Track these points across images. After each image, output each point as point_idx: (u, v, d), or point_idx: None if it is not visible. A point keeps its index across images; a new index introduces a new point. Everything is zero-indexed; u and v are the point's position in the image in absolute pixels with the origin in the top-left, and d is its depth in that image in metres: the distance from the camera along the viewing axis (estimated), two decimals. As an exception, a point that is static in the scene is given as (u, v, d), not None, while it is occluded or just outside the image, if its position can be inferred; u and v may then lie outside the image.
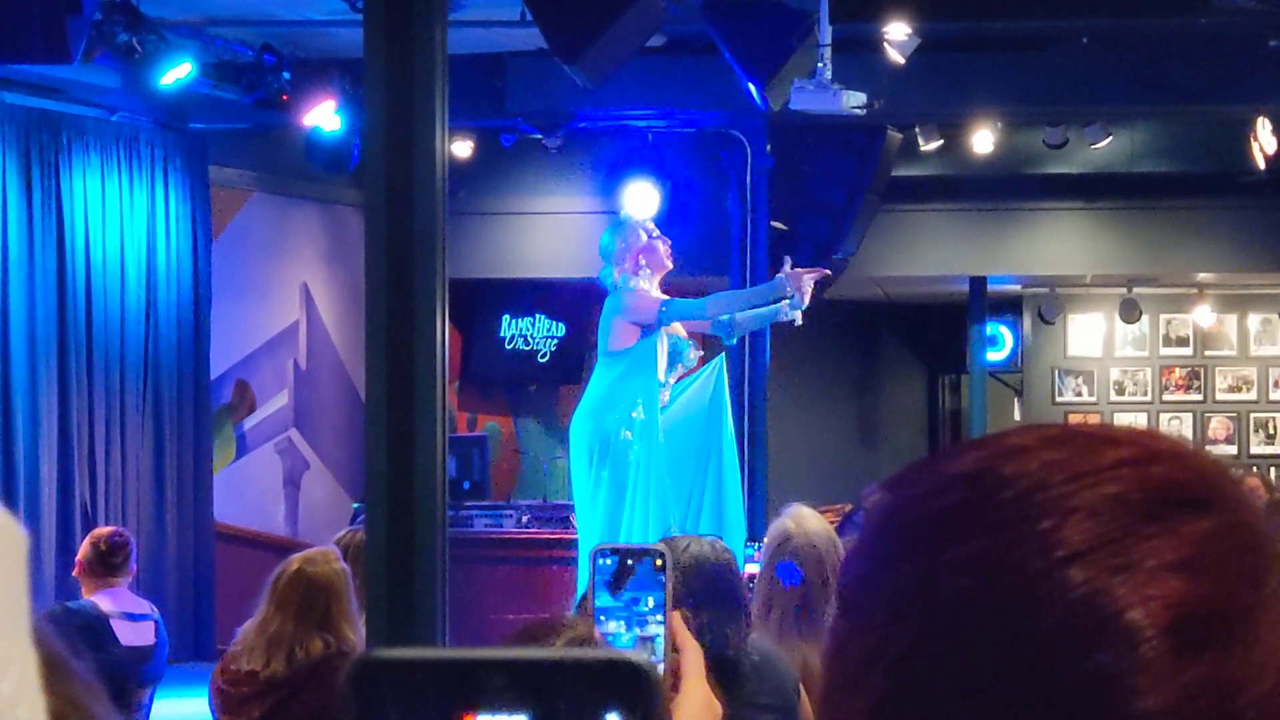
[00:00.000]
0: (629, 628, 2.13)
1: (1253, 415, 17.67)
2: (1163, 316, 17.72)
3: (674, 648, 2.16)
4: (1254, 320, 17.69)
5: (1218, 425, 17.69)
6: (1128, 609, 0.97)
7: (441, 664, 0.58)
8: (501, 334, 17.09)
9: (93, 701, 0.53)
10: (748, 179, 13.53)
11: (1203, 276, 16.95)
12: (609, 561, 2.14)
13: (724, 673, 5.04)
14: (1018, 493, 1.00)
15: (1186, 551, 0.99)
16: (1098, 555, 0.98)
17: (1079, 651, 0.96)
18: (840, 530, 6.62)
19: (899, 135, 14.08)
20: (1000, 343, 18.40)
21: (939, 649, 0.98)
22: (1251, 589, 1.00)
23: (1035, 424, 1.09)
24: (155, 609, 8.59)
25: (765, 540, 5.91)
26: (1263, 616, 1.00)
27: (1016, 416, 18.29)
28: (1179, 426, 17.65)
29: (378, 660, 0.59)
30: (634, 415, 10.33)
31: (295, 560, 5.93)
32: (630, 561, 2.14)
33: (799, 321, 9.83)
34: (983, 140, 14.14)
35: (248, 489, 14.66)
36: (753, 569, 6.49)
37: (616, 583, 2.12)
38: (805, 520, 5.75)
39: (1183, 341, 17.75)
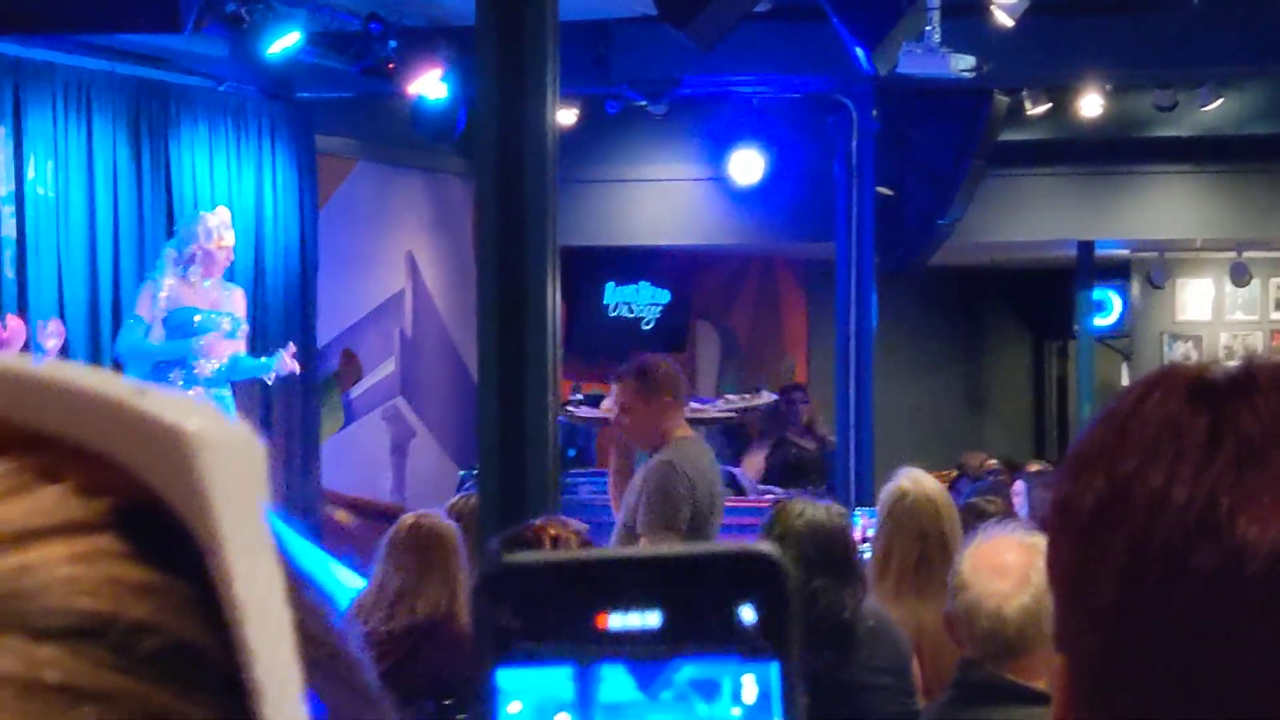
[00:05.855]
0: None
1: (1365, 380, 17.44)
2: (1273, 280, 17.51)
3: None
4: (1366, 283, 17.47)
5: (1329, 391, 17.47)
6: None
7: (571, 566, 0.59)
8: (605, 301, 17.10)
9: (327, 630, 0.53)
10: (853, 145, 13.46)
11: (1314, 240, 16.76)
12: None
13: (840, 637, 5.04)
14: (1139, 464, 1.05)
15: None
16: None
17: None
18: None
19: (1005, 99, 13.97)
20: (1108, 308, 18.26)
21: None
22: None
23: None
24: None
25: (880, 499, 5.95)
26: None
27: (1124, 383, 18.15)
28: (1290, 392, 17.44)
29: (508, 567, 0.59)
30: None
31: (409, 517, 5.98)
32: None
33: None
34: (1091, 104, 14.02)
35: (355, 456, 14.75)
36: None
37: None
38: (921, 479, 5.84)
39: (1293, 306, 17.55)
